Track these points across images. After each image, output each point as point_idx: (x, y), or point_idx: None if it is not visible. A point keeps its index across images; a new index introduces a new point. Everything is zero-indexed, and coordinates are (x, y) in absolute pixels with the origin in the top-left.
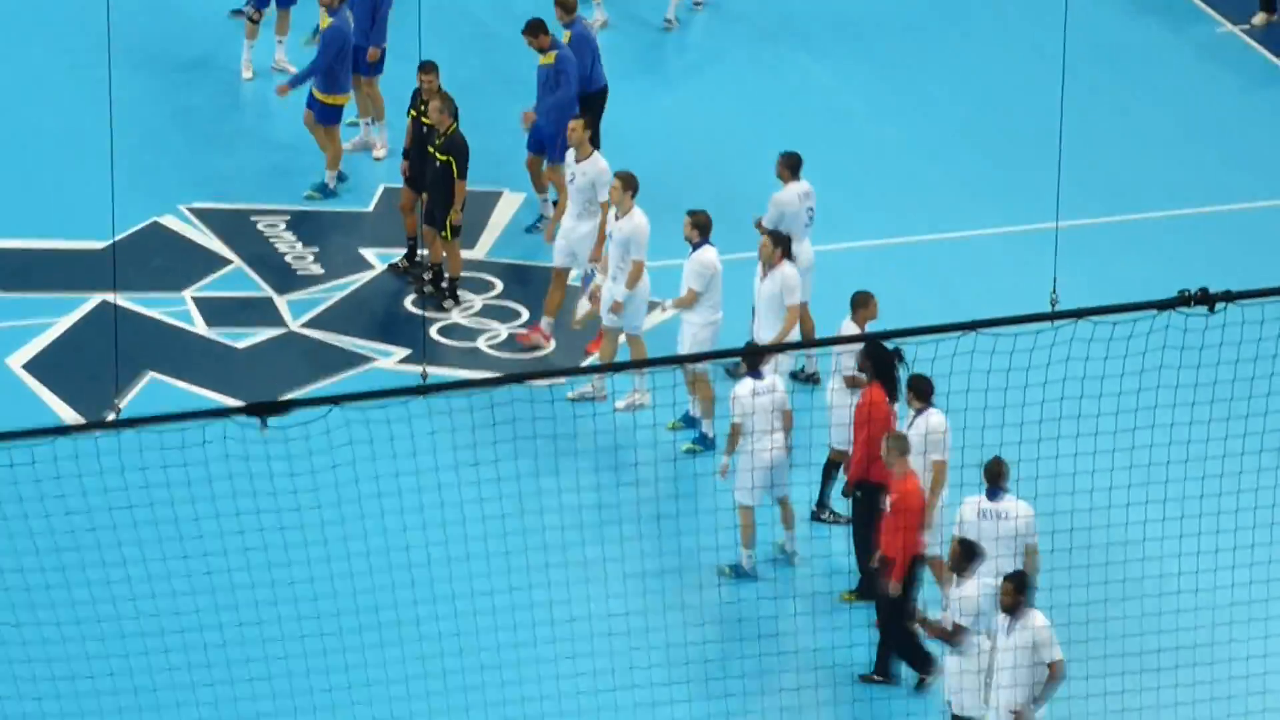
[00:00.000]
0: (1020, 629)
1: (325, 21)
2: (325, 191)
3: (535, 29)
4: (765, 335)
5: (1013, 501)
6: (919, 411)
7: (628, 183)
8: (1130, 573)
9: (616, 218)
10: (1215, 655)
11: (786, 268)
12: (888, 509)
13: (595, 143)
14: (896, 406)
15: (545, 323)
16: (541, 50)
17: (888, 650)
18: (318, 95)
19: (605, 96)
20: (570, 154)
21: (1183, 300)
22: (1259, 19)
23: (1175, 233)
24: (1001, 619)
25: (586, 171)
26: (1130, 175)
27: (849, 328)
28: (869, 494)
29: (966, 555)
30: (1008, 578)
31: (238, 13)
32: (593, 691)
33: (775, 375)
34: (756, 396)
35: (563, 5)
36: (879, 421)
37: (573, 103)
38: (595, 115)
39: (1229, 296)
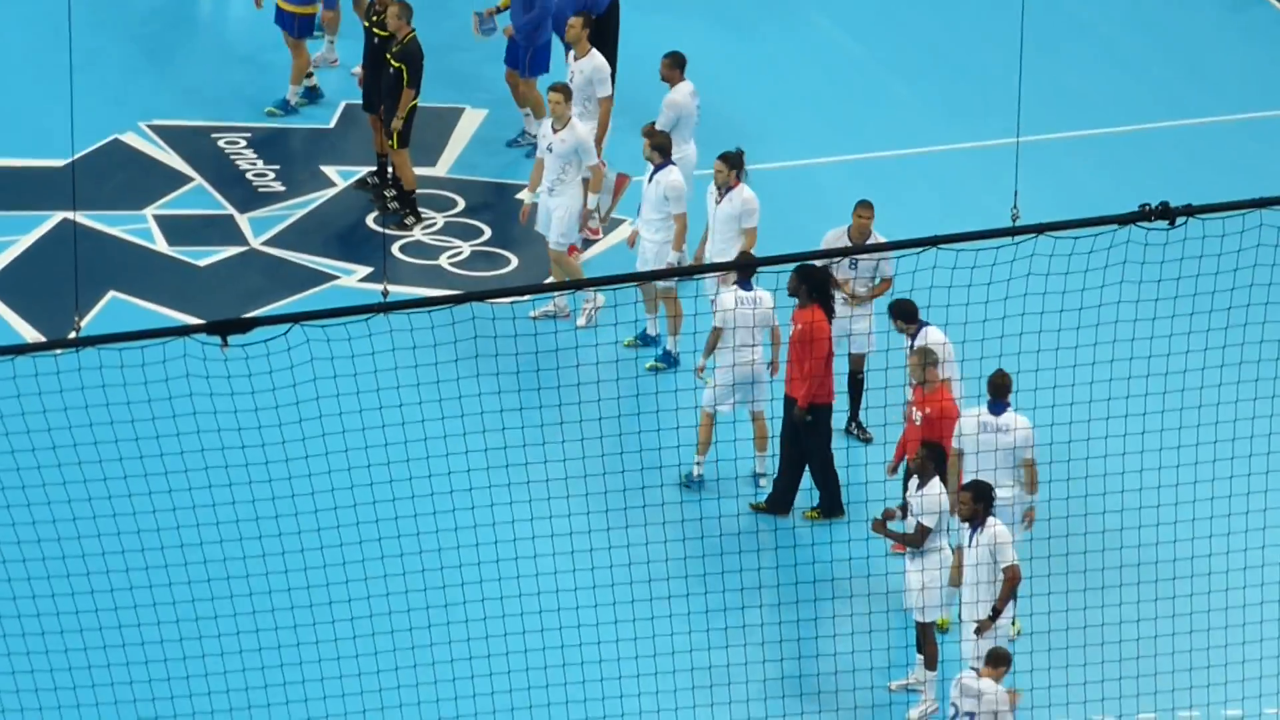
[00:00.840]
0: (979, 536)
1: None
2: (286, 108)
3: None
4: (720, 258)
5: (1013, 415)
6: (914, 335)
7: (567, 94)
8: (1092, 488)
9: (555, 130)
10: (1178, 570)
11: (745, 191)
12: (917, 421)
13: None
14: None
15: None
16: None
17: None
18: (284, 6)
19: (616, 15)
20: (571, 53)
21: (1143, 215)
22: None
23: (1136, 148)
24: (964, 530)
25: (584, 69)
26: (1092, 91)
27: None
28: (820, 415)
29: (933, 458)
30: (964, 487)
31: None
32: (554, 609)
33: (762, 290)
34: (740, 307)
35: None
36: (821, 342)
37: (546, 18)
38: (608, 38)
39: (1189, 211)
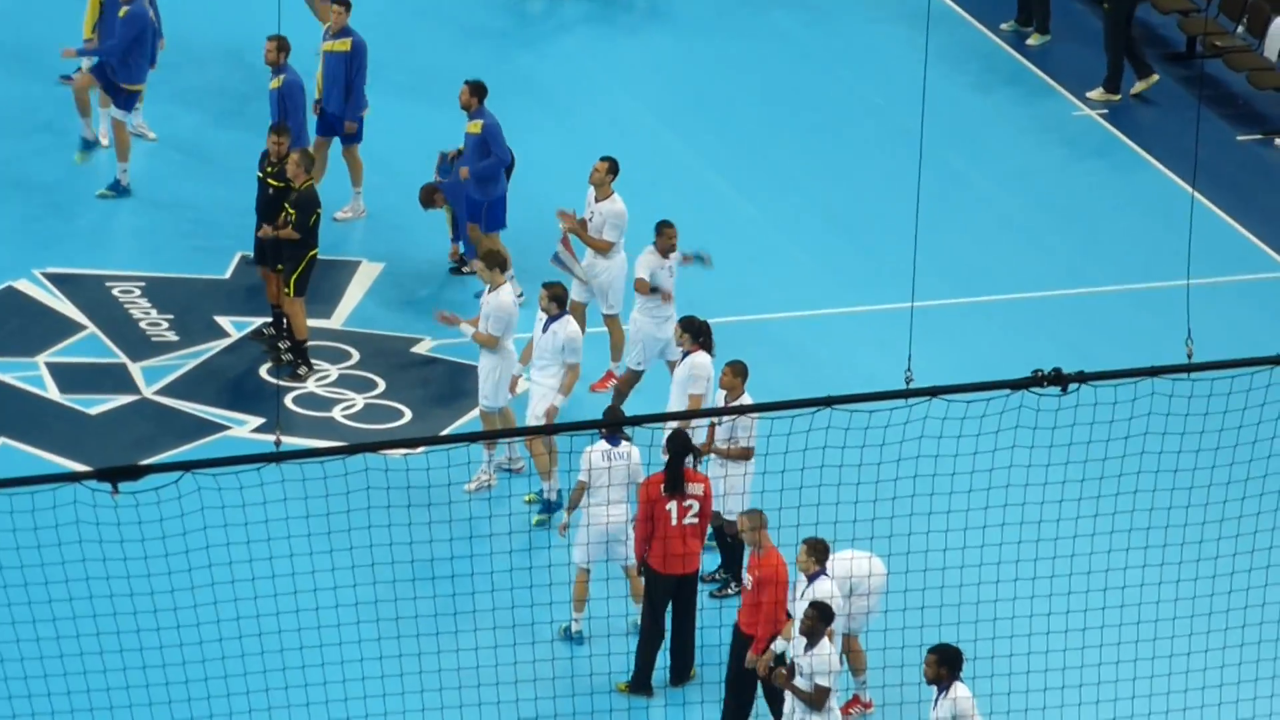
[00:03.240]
0: (944, 700)
1: (123, 11)
2: (119, 189)
3: (477, 89)
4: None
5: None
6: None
7: (491, 259)
8: (980, 651)
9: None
10: None
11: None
12: (748, 586)
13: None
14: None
15: (614, 365)
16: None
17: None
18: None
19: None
20: (590, 193)
21: (1036, 380)
22: (1097, 94)
23: (1031, 315)
24: (933, 691)
25: (604, 211)
26: (989, 258)
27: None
28: (648, 576)
29: (823, 618)
30: (931, 650)
31: (66, 78)
32: None
33: (632, 445)
34: (609, 461)
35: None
36: (645, 503)
37: (500, 169)
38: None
39: (1082, 378)
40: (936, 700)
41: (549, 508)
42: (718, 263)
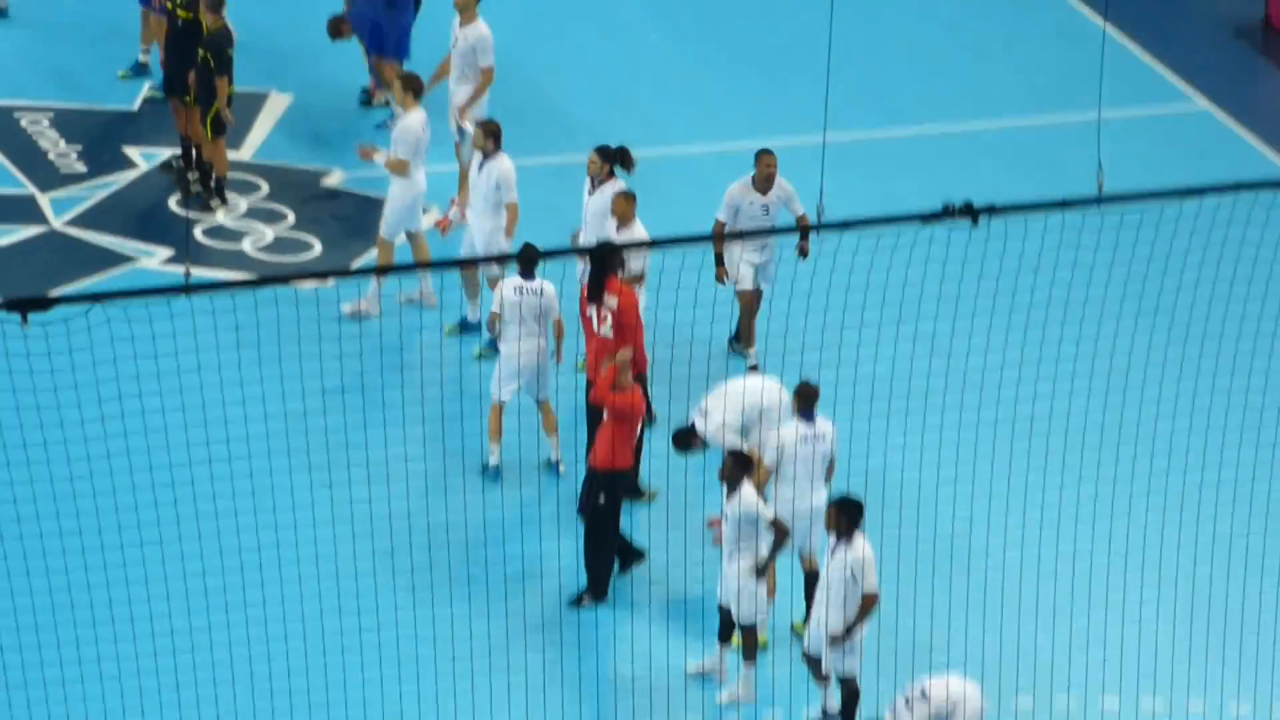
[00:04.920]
0: (843, 552)
1: None
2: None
3: None
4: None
5: (823, 421)
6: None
7: (408, 83)
8: (889, 482)
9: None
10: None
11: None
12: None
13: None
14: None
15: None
16: None
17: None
18: None
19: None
20: (455, 21)
21: (947, 213)
22: None
23: (943, 149)
24: (830, 539)
25: (468, 36)
26: (901, 92)
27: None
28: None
29: (738, 464)
30: (833, 502)
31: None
32: (353, 593)
33: (545, 281)
34: (520, 295)
35: None
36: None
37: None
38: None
39: (992, 210)
40: (834, 549)
41: (467, 327)
42: (631, 97)
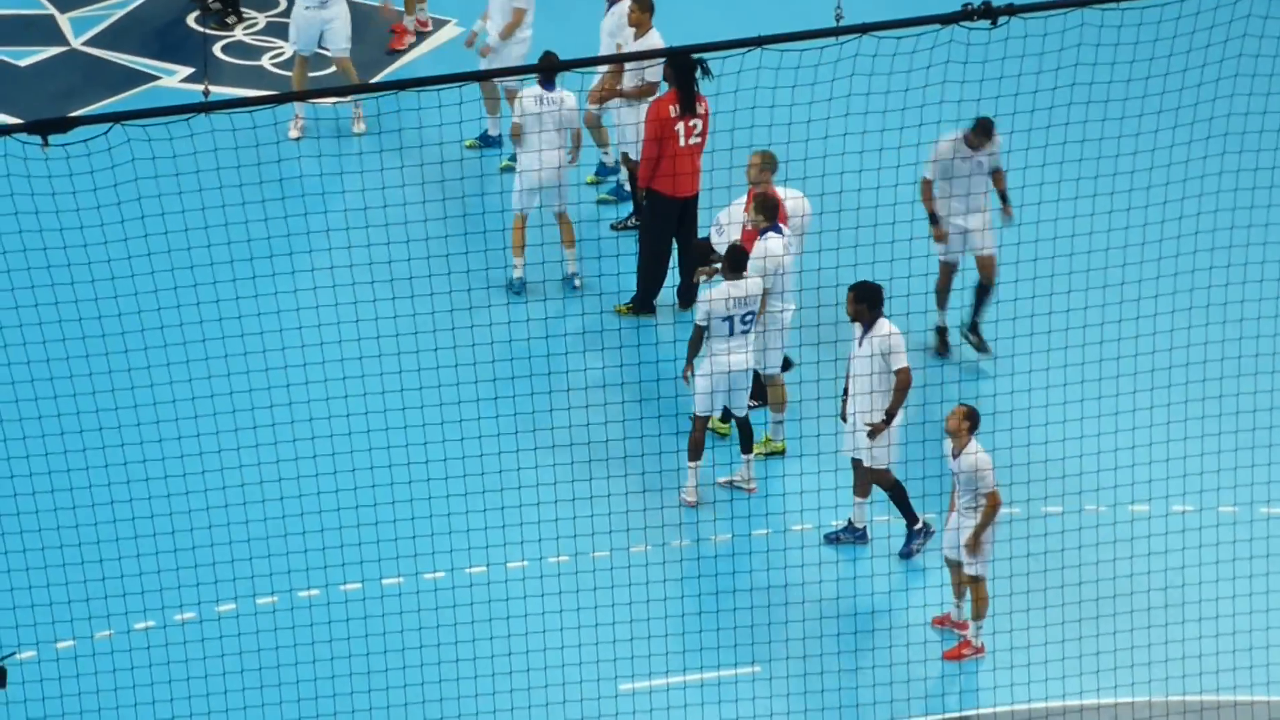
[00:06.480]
0: (870, 338)
1: None
2: None
3: None
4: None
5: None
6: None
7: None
8: (897, 290)
9: None
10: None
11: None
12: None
13: None
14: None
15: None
16: None
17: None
18: None
19: None
20: None
21: (965, 14)
22: None
23: None
24: (855, 329)
25: None
26: None
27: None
28: (655, 201)
29: (730, 260)
30: (851, 288)
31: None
32: (379, 408)
33: (565, 91)
34: (542, 106)
35: None
36: (654, 123)
37: None
38: None
39: (1011, 10)
40: (861, 339)
41: (488, 141)
42: None
